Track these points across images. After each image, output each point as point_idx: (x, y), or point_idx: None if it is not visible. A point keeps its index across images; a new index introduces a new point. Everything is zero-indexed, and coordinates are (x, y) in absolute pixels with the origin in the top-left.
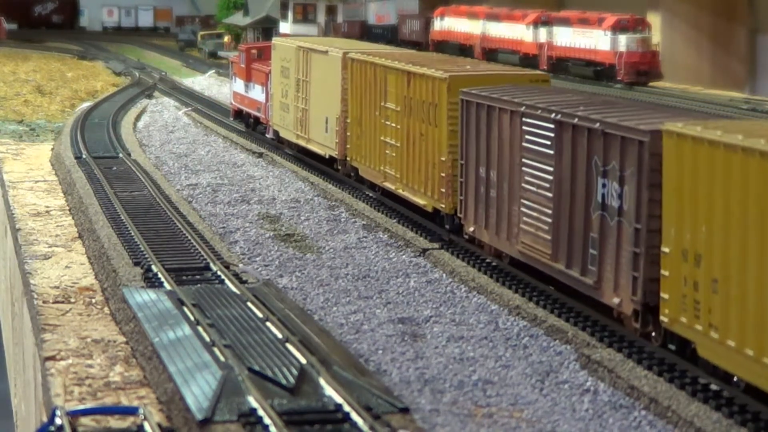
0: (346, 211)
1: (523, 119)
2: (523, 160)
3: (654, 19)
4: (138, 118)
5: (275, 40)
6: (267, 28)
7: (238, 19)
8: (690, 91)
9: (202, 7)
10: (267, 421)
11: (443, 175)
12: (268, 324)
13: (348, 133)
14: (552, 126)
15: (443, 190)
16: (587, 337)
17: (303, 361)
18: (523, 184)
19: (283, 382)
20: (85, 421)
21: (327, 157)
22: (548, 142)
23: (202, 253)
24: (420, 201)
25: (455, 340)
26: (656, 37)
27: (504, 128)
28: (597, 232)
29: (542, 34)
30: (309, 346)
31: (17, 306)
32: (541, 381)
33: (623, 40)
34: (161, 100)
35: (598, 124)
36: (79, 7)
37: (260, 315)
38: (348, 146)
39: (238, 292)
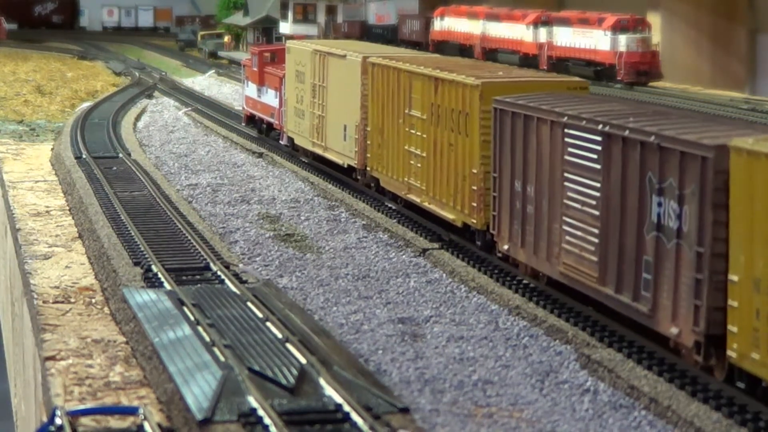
0: (346, 211)
1: (566, 130)
2: (566, 174)
3: (654, 19)
4: (138, 118)
5: (289, 43)
6: (267, 28)
7: (238, 19)
8: (690, 91)
9: (202, 7)
10: (267, 421)
11: (474, 188)
12: (268, 324)
13: (368, 142)
14: (599, 138)
15: (474, 204)
16: (587, 337)
17: (303, 361)
18: (565, 201)
19: (283, 382)
20: (85, 421)
21: (345, 166)
22: (594, 156)
23: (202, 253)
24: (448, 215)
25: (455, 340)
26: (656, 37)
27: (543, 140)
28: (652, 254)
29: (542, 34)
30: (309, 346)
31: (17, 306)
32: (541, 381)
33: (623, 40)
34: (161, 100)
35: (653, 138)
36: (79, 7)
37: (260, 315)
38: (368, 155)
39: (238, 292)
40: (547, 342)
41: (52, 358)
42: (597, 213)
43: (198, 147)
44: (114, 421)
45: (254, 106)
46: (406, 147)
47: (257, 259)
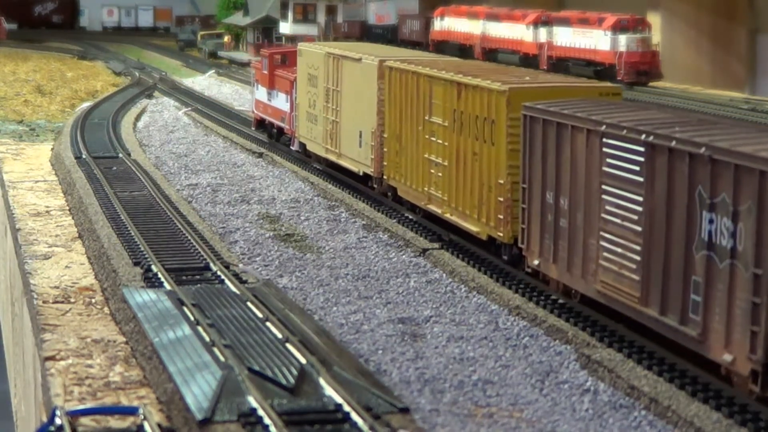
0: (346, 211)
1: (604, 140)
2: (604, 186)
3: (654, 19)
4: (138, 118)
5: (301, 46)
6: (267, 28)
7: (238, 19)
8: (690, 91)
9: (202, 7)
10: (267, 421)
11: (501, 199)
12: (268, 324)
13: (385, 149)
14: (642, 149)
15: (501, 216)
16: (587, 337)
17: (303, 361)
18: (603, 215)
19: (283, 382)
20: (85, 421)
21: (361, 174)
22: (637, 168)
23: (202, 253)
24: (472, 228)
25: (455, 340)
26: (656, 37)
27: (578, 149)
28: (702, 275)
29: (542, 34)
30: (309, 346)
31: (17, 306)
32: (541, 381)
33: (623, 40)
34: (161, 100)
35: (704, 149)
36: (79, 7)
37: (260, 315)
38: (385, 163)
39: (238, 292)
40: (547, 342)
41: (52, 358)
42: (639, 229)
43: (198, 147)
44: (114, 421)
45: (264, 110)
46: (426, 155)
47: (257, 259)
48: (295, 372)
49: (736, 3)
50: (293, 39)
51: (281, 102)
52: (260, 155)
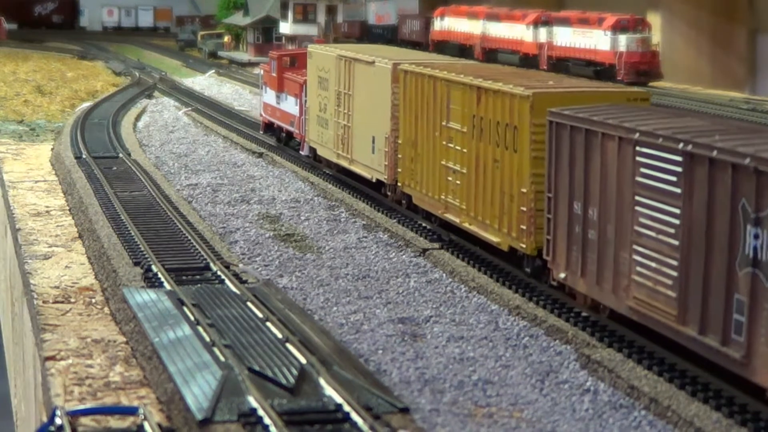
0: (346, 211)
1: (637, 148)
2: (637, 198)
3: (654, 19)
4: (138, 118)
5: (311, 48)
6: (267, 28)
7: (238, 19)
8: (690, 91)
9: (202, 7)
10: (267, 421)
11: (524, 209)
12: (268, 324)
13: (399, 155)
14: (679, 159)
15: (524, 227)
16: (587, 337)
17: (303, 361)
18: (636, 227)
19: (283, 382)
20: (85, 421)
21: (373, 180)
22: (673, 178)
23: (202, 253)
24: (492, 238)
25: (455, 340)
26: (656, 37)
27: (609, 158)
28: (745, 293)
29: (542, 34)
30: (309, 346)
31: (17, 306)
32: (541, 381)
33: (623, 40)
34: (161, 100)
35: (748, 160)
36: (79, 7)
37: (260, 315)
38: (399, 170)
39: (238, 292)
40: (547, 342)
41: (52, 358)
42: (676, 243)
43: (198, 147)
44: (114, 421)
45: (273, 114)
46: (444, 162)
47: (257, 259)
48: (295, 372)
49: (736, 3)
50: (293, 39)
51: (290, 105)
52: (260, 155)
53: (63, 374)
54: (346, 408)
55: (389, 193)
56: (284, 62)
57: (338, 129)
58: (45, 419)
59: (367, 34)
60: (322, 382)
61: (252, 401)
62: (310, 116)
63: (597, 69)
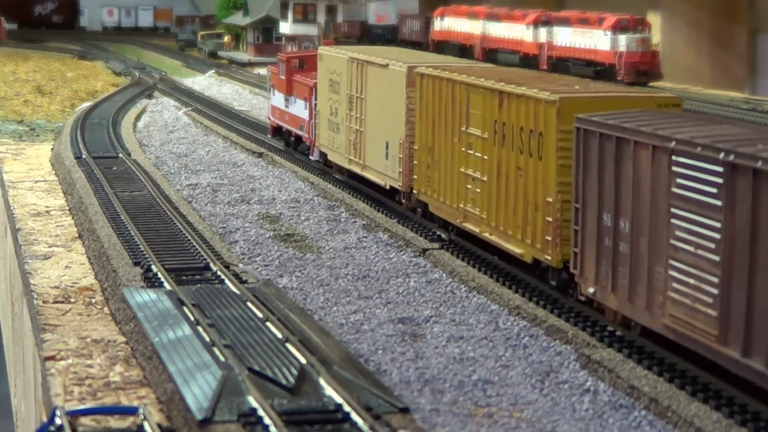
0: (346, 211)
1: (674, 158)
2: (673, 210)
3: (654, 19)
4: (138, 118)
5: (321, 50)
6: (267, 28)
7: (238, 19)
8: (690, 91)
9: (202, 7)
10: (267, 421)
11: (549, 219)
12: (268, 324)
13: (415, 162)
14: (720, 169)
15: (549, 238)
16: (587, 337)
17: (303, 361)
18: (672, 241)
19: (283, 382)
20: (85, 421)
21: (387, 187)
22: (713, 190)
23: (202, 253)
24: (515, 249)
25: (455, 340)
26: (656, 37)
27: (642, 167)
28: None
29: (542, 34)
30: (309, 346)
31: (17, 306)
32: (541, 381)
33: (623, 40)
34: (161, 100)
35: None
36: (79, 7)
37: (260, 315)
38: (415, 177)
39: (238, 292)
40: (547, 342)
41: (52, 358)
42: (717, 258)
43: (198, 147)
44: (114, 421)
45: (281, 117)
46: (462, 169)
47: (257, 259)
48: (295, 372)
49: (736, 3)
50: (293, 39)
51: (299, 109)
52: (260, 155)
53: (63, 374)
54: (346, 408)
55: (404, 201)
56: (293, 64)
57: (350, 134)
58: (45, 419)
59: (367, 34)
60: (322, 382)
61: (252, 401)
62: (320, 120)
63: (597, 69)
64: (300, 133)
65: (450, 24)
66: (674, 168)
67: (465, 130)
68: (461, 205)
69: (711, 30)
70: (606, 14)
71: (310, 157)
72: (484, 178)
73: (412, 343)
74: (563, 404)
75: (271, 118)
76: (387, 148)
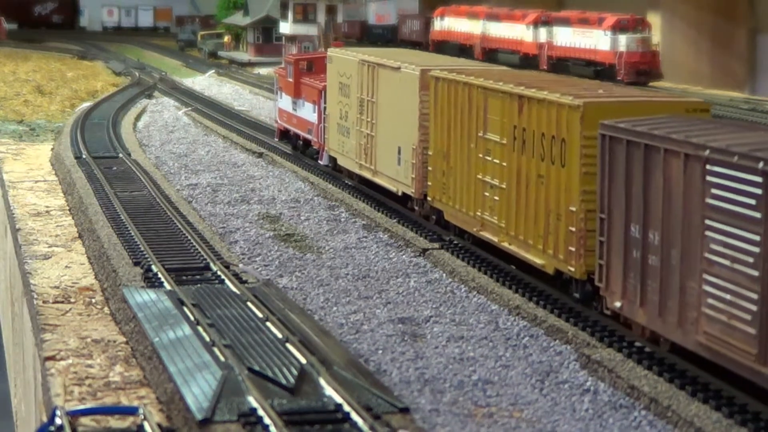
0: (346, 211)
1: (708, 167)
2: (707, 222)
3: (654, 19)
4: (138, 118)
5: (331, 52)
6: (267, 28)
7: (238, 19)
8: (690, 91)
9: (202, 7)
10: (267, 421)
11: (573, 229)
12: (268, 324)
13: (429, 168)
14: (759, 179)
15: (572, 248)
16: (587, 337)
17: (303, 361)
18: (706, 254)
19: (283, 382)
20: (85, 421)
21: (399, 194)
22: (752, 201)
23: (202, 253)
24: (535, 260)
25: (455, 340)
26: (656, 37)
27: (673, 176)
28: None
29: (542, 34)
30: (309, 346)
31: (17, 306)
32: (541, 381)
33: (623, 40)
34: (161, 100)
35: None
36: (79, 7)
37: (260, 315)
38: (429, 183)
39: (238, 292)
40: (547, 342)
41: (52, 358)
42: (756, 273)
43: (198, 147)
44: (114, 421)
45: (289, 120)
46: (480, 176)
47: (257, 259)
48: (295, 372)
49: (736, 3)
50: (293, 39)
51: (308, 112)
52: (260, 155)
53: (63, 374)
54: (346, 408)
55: (416, 208)
56: (301, 66)
57: (361, 138)
58: (45, 419)
59: (367, 34)
60: (322, 382)
61: (252, 401)
62: (329, 124)
63: (597, 69)
64: (308, 137)
65: (450, 24)
66: (709, 178)
67: (482, 136)
68: (478, 213)
69: (711, 30)
70: (606, 14)
71: (319, 161)
72: (503, 186)
73: (412, 343)
74: (563, 404)
75: (278, 122)
76: (399, 153)
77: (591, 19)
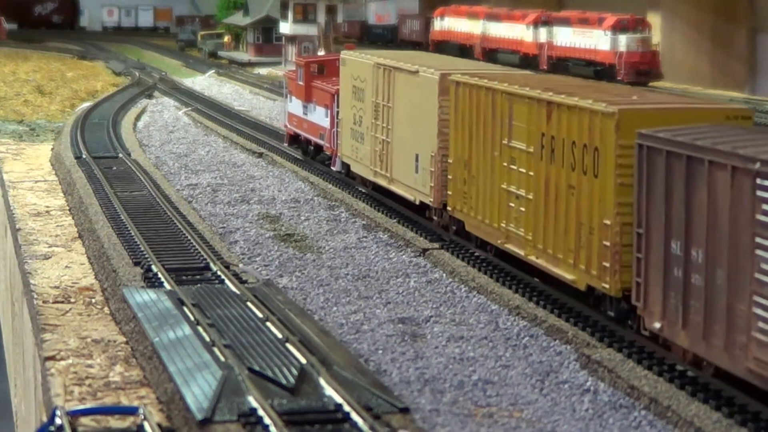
0: (346, 211)
1: (759, 181)
2: (758, 240)
3: (654, 19)
4: (138, 118)
5: (344, 54)
6: (267, 28)
7: (238, 19)
8: (690, 92)
9: (202, 7)
10: (267, 421)
11: (607, 244)
12: (268, 324)
13: (449, 176)
14: None
15: (606, 264)
16: (587, 337)
17: (303, 361)
18: (757, 275)
19: (283, 382)
20: (85, 421)
21: (417, 203)
22: None
23: (202, 253)
24: (566, 275)
25: (455, 340)
26: (656, 37)
27: (719, 191)
28: None
29: (542, 34)
30: (309, 346)
31: (17, 306)
32: (541, 381)
33: (623, 40)
34: (161, 100)
35: None
36: (79, 7)
37: (260, 315)
38: (449, 192)
39: (238, 292)
40: (547, 342)
41: (52, 358)
42: None
43: (198, 147)
44: (114, 421)
45: (299, 125)
46: (504, 185)
47: (257, 259)
48: (295, 372)
49: (736, 3)
50: (293, 39)
51: (320, 117)
52: (260, 155)
53: (63, 374)
54: (346, 408)
55: (435, 218)
56: (312, 69)
57: (375, 144)
58: (45, 419)
59: (367, 34)
60: (322, 382)
61: (252, 401)
62: (342, 129)
63: (597, 69)
64: (320, 142)
65: (450, 24)
66: (759, 193)
67: (507, 144)
68: (503, 225)
69: (711, 30)
70: (606, 14)
71: (332, 167)
72: (530, 196)
73: (412, 343)
74: (563, 404)
75: (288, 126)
76: (417, 160)
77: (591, 19)
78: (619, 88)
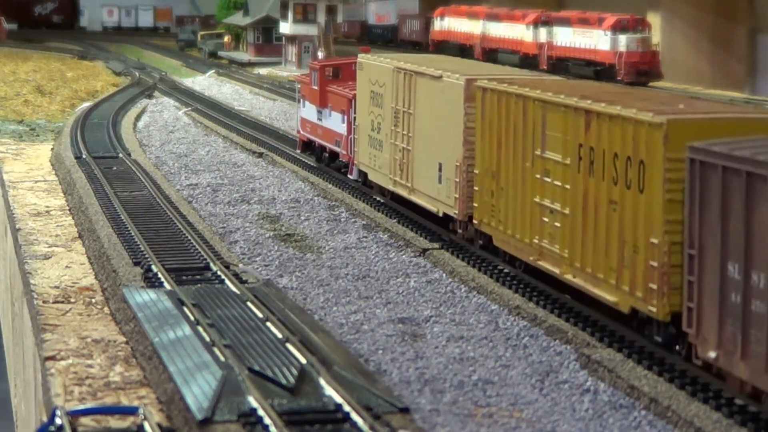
0: (346, 211)
1: None
2: None
3: (654, 19)
4: (138, 118)
5: (361, 58)
6: (267, 28)
7: (238, 19)
8: (690, 92)
9: (202, 7)
10: (267, 421)
11: (654, 264)
12: (268, 324)
13: (476, 188)
14: None
15: (653, 286)
16: (587, 337)
17: (303, 361)
18: None
19: (283, 382)
20: (85, 421)
21: (440, 215)
22: None
23: (202, 253)
24: (607, 297)
25: (455, 340)
26: (656, 37)
27: None
28: None
29: (542, 34)
30: (309, 346)
31: (17, 306)
32: (541, 381)
33: (623, 40)
34: (161, 100)
35: None
36: (79, 7)
37: (260, 315)
38: (475, 205)
39: (238, 292)
40: (547, 342)
41: (52, 358)
42: None
43: (198, 147)
44: (114, 421)
45: (313, 131)
46: (537, 199)
47: (257, 259)
48: (295, 372)
49: (736, 3)
50: (293, 39)
51: (335, 123)
52: (260, 155)
53: (63, 374)
54: (346, 408)
55: (459, 230)
56: (327, 73)
57: (395, 152)
58: (45, 419)
59: (367, 34)
60: (322, 382)
61: (252, 401)
62: (360, 136)
63: (597, 69)
64: (336, 149)
65: (450, 24)
66: None
67: (540, 154)
68: (536, 241)
69: (711, 30)
70: (606, 14)
71: (349, 175)
72: (566, 211)
73: (412, 343)
74: (563, 404)
75: (301, 132)
76: (440, 170)
77: (591, 19)
78: (662, 96)
